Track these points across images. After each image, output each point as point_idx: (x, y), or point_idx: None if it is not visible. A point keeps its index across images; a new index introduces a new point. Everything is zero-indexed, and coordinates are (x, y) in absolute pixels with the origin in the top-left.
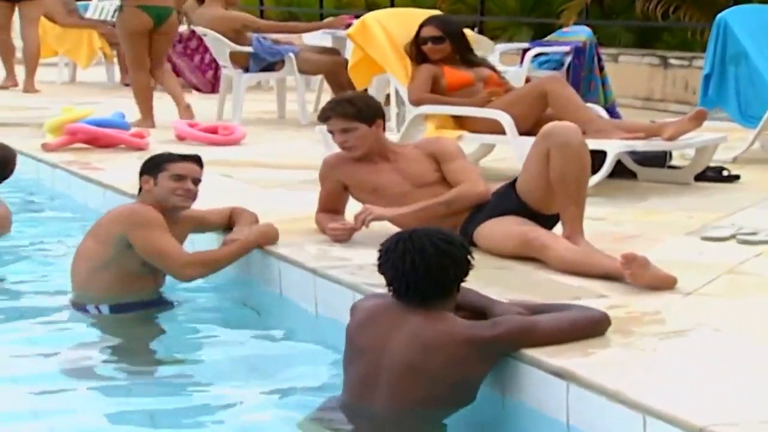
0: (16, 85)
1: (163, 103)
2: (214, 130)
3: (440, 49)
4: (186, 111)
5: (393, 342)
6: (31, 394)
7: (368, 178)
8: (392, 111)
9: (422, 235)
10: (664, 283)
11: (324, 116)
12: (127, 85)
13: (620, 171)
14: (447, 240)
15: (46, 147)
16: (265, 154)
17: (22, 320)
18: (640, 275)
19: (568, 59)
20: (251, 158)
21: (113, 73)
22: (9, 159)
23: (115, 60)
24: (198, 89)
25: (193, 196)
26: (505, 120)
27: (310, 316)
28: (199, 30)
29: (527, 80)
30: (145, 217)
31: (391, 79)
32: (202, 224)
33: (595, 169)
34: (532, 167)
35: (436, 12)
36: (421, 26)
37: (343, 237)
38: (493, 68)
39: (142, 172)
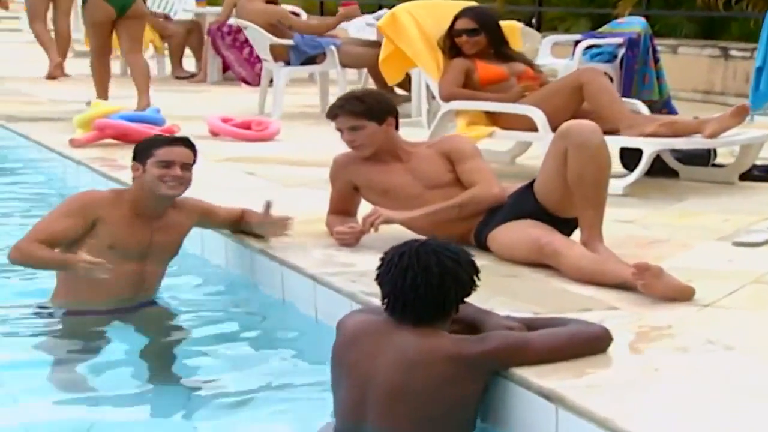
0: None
1: (193, 98)
2: (247, 126)
3: (475, 42)
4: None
5: (379, 362)
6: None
7: (379, 178)
8: (423, 106)
9: (430, 251)
10: (681, 294)
11: (332, 114)
12: (177, 77)
13: (662, 169)
14: (454, 259)
15: (73, 143)
16: (297, 150)
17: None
18: (653, 286)
19: (621, 51)
20: (281, 155)
21: (164, 65)
22: None
23: (166, 52)
24: (246, 82)
25: (184, 182)
26: (538, 116)
27: (311, 323)
28: (241, 23)
29: None
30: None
31: (421, 73)
32: (208, 217)
33: (631, 168)
34: (550, 168)
35: (472, 3)
36: (456, 18)
37: (350, 241)
38: (528, 62)
39: (133, 159)
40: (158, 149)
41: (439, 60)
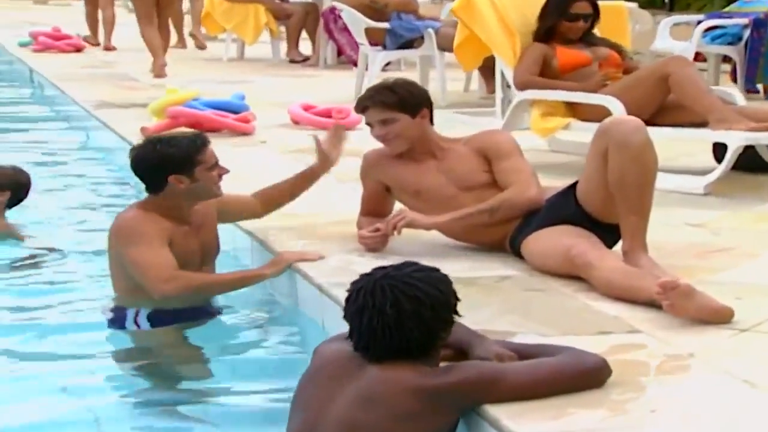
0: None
1: (298, 83)
2: (327, 114)
3: (586, 27)
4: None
5: (336, 400)
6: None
7: (411, 179)
8: (497, 95)
9: (387, 289)
10: (716, 317)
11: (361, 106)
12: (292, 61)
13: (758, 166)
14: (415, 298)
15: (144, 131)
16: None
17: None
18: (681, 307)
19: (746, 33)
20: (355, 146)
21: (278, 49)
22: (22, 184)
23: (282, 36)
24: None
25: None
26: (616, 107)
27: (320, 333)
28: (337, 5)
29: (696, 57)
30: (127, 231)
31: (497, 60)
32: (223, 207)
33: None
34: (591, 169)
35: None
36: (574, 1)
37: (375, 245)
38: (615, 46)
39: (167, 172)
40: (201, 155)
41: (516, 46)
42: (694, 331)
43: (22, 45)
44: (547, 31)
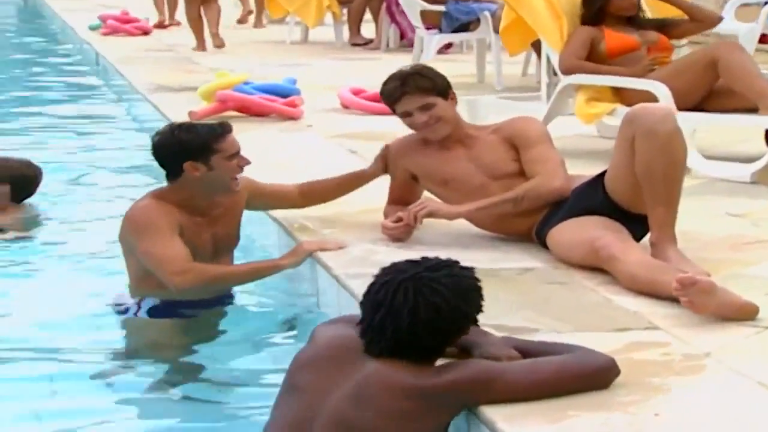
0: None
1: (356, 66)
2: (376, 98)
3: (636, 2)
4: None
5: (333, 390)
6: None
7: (439, 168)
8: (543, 79)
9: (411, 291)
10: (739, 313)
11: (394, 96)
12: (354, 44)
13: None
14: (436, 307)
15: (192, 115)
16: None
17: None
18: (701, 304)
19: None
20: (389, 130)
21: (341, 32)
22: (26, 177)
23: (344, 19)
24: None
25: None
26: (662, 92)
27: None
28: None
29: (762, 39)
30: (139, 222)
31: (543, 43)
32: (256, 195)
33: None
34: (618, 158)
35: None
36: None
37: (399, 235)
38: (665, 23)
39: (183, 158)
40: (221, 143)
41: (563, 29)
42: (715, 328)
43: (92, 29)
44: (596, 13)
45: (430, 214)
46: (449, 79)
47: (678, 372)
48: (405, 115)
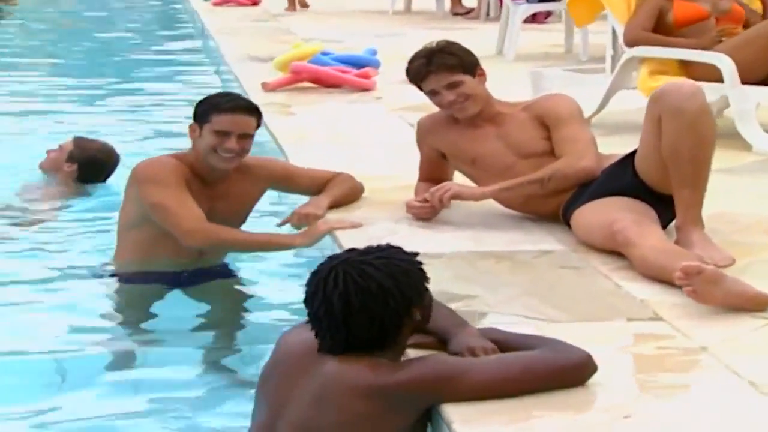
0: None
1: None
2: None
3: None
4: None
5: (296, 392)
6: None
7: (466, 146)
8: (607, 51)
9: (341, 276)
10: (749, 304)
11: (420, 74)
12: (455, 14)
13: None
14: (367, 291)
15: (265, 86)
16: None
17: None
18: (707, 293)
19: None
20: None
21: (443, 1)
22: (106, 166)
23: None
24: None
25: (240, 153)
26: (725, 65)
27: None
28: None
29: None
30: (152, 172)
31: (609, 15)
32: (284, 181)
33: None
34: (646, 137)
35: None
36: None
37: (423, 215)
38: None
39: (193, 117)
40: (217, 115)
41: (631, 0)
42: (723, 320)
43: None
44: None
45: (456, 196)
46: (538, 48)
47: (668, 368)
48: (432, 94)
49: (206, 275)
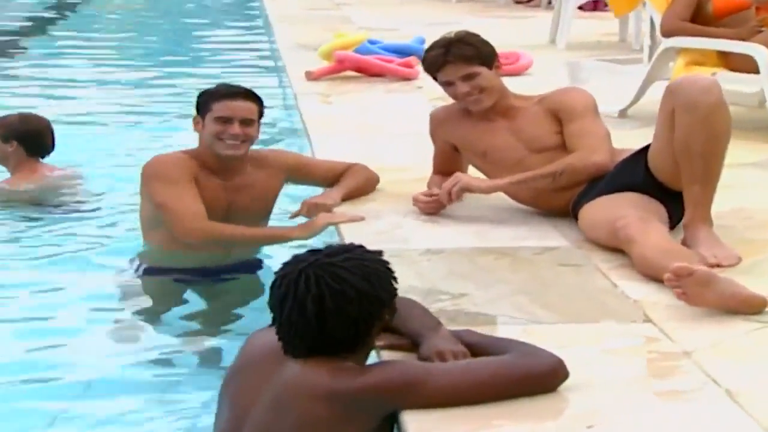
0: None
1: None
2: None
3: None
4: None
5: (259, 397)
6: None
7: (477, 139)
8: (645, 42)
9: (313, 278)
10: (743, 306)
11: (436, 64)
12: (518, 2)
13: None
14: (341, 293)
15: (309, 75)
16: (542, 87)
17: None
18: (698, 295)
19: None
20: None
21: None
22: (43, 130)
23: None
24: (580, 7)
25: (247, 139)
26: (761, 56)
27: None
28: None
29: None
30: (156, 169)
31: (647, 5)
32: (300, 173)
33: None
34: (660, 132)
35: None
36: None
37: (430, 210)
38: None
39: (196, 111)
40: (216, 103)
41: None
42: (714, 322)
43: None
44: None
45: (465, 188)
46: (592, 37)
47: (645, 375)
48: (447, 85)
49: (234, 270)
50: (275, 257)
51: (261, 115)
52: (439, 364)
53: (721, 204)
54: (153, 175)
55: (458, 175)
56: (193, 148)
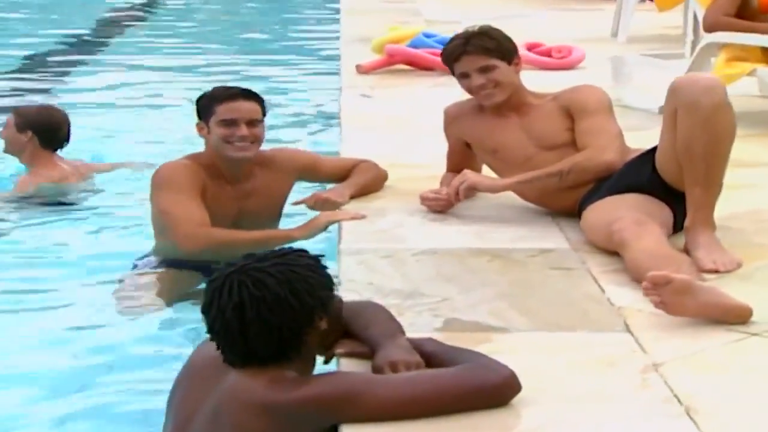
0: None
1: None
2: (548, 53)
3: None
4: None
5: (200, 407)
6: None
7: (489, 135)
8: (687, 37)
9: (236, 286)
10: (728, 316)
11: (454, 54)
12: None
13: None
14: (262, 301)
15: (359, 68)
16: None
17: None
18: (677, 304)
19: None
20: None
21: None
22: (60, 123)
23: None
24: None
25: (255, 140)
26: None
27: None
28: None
29: None
30: (160, 178)
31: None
32: (310, 171)
33: None
34: (664, 131)
35: None
36: None
37: (437, 208)
38: None
39: (198, 116)
40: (218, 106)
41: None
42: (695, 332)
43: None
44: None
45: (472, 187)
46: (655, 30)
47: (605, 389)
48: (462, 77)
49: None
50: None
51: (264, 113)
52: (382, 376)
53: (736, 204)
54: (158, 182)
55: (466, 173)
56: (200, 153)
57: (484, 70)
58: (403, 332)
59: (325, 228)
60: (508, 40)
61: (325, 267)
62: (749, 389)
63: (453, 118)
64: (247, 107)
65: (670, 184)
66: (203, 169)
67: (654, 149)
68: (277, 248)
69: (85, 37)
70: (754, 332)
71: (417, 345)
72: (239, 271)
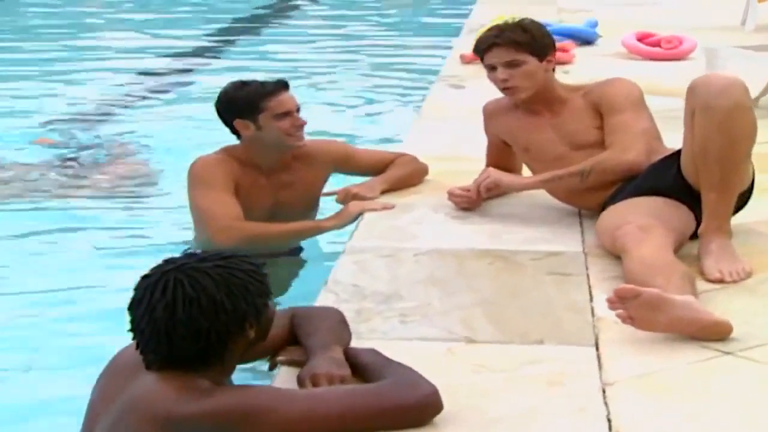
0: None
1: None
2: (657, 44)
3: None
4: None
5: (111, 408)
6: None
7: (521, 133)
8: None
9: (171, 284)
10: (704, 333)
11: (485, 45)
12: None
13: None
14: (196, 302)
15: (463, 58)
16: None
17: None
18: (646, 320)
19: None
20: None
21: None
22: None
23: None
24: None
25: (304, 126)
26: None
27: None
28: None
29: None
30: (194, 174)
31: None
32: (345, 163)
33: None
34: (686, 133)
35: None
36: None
37: (463, 205)
38: None
39: (232, 116)
40: (268, 101)
41: None
42: (663, 350)
43: None
44: None
45: (495, 183)
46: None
47: (539, 410)
48: (490, 69)
49: (274, 255)
50: (316, 239)
51: None
52: (296, 391)
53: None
54: (192, 178)
55: (489, 170)
56: (235, 146)
57: (511, 64)
58: (344, 342)
59: (356, 218)
60: (545, 36)
61: (265, 274)
62: (693, 415)
63: (490, 115)
64: (291, 96)
65: (693, 186)
66: (238, 163)
67: (680, 151)
68: (215, 252)
69: None
70: (728, 351)
71: (353, 356)
72: (177, 270)
